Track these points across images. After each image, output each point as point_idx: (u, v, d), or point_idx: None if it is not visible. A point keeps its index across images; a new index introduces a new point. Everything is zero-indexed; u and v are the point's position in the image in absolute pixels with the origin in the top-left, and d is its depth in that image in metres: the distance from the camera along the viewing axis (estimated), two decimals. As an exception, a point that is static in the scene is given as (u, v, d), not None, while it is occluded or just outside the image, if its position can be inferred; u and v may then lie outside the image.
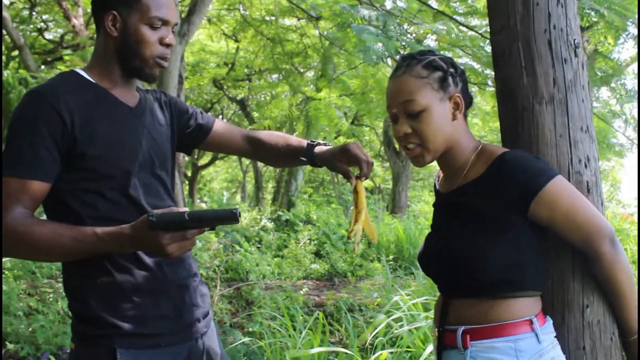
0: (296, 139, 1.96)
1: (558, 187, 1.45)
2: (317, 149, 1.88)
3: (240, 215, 1.30)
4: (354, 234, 1.65)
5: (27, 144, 1.50)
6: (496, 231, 1.47)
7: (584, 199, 1.49)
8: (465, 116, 1.60)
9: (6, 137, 1.54)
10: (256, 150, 1.98)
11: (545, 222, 1.47)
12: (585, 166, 1.62)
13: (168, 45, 1.65)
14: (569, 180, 1.59)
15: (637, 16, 3.39)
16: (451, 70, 1.55)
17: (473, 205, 1.51)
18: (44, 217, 1.63)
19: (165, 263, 1.63)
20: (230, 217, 1.31)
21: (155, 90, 1.87)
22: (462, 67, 1.61)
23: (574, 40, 1.67)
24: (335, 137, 15.40)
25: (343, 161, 1.77)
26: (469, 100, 1.61)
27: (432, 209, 1.72)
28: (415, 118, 1.53)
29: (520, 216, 1.47)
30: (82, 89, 1.60)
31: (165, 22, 1.63)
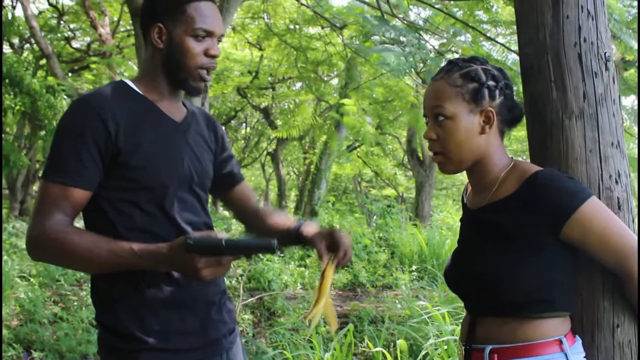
0: (294, 221, 1.87)
1: (592, 209, 1.42)
2: (307, 224, 1.80)
3: (277, 247, 1.30)
4: (312, 317, 1.57)
5: (71, 151, 1.52)
6: (527, 251, 1.44)
7: (617, 220, 1.45)
8: (501, 132, 1.55)
9: (52, 143, 1.56)
10: (257, 225, 1.92)
11: (577, 244, 1.44)
12: (616, 182, 1.59)
13: (213, 57, 1.65)
14: (599, 197, 1.56)
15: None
16: (490, 83, 1.50)
17: (503, 223, 1.48)
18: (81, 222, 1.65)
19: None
20: (267, 247, 1.33)
21: (204, 111, 1.87)
22: (507, 81, 1.55)
23: (605, 53, 1.64)
24: (359, 146, 15.39)
25: (325, 241, 1.68)
26: (511, 116, 1.55)
27: (458, 221, 1.69)
28: (441, 125, 1.51)
29: (552, 236, 1.43)
30: (129, 100, 1.61)
31: (210, 34, 1.63)
